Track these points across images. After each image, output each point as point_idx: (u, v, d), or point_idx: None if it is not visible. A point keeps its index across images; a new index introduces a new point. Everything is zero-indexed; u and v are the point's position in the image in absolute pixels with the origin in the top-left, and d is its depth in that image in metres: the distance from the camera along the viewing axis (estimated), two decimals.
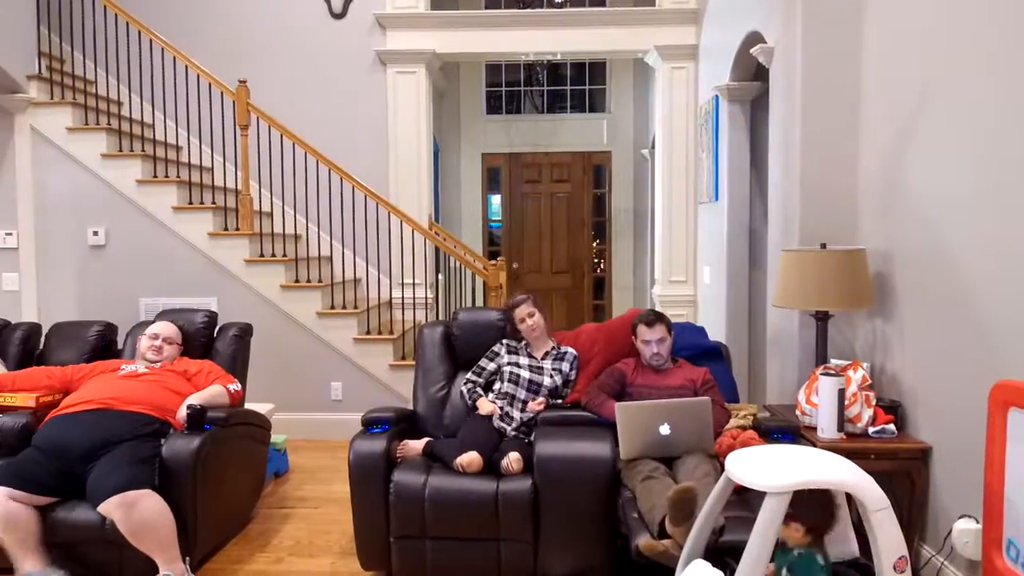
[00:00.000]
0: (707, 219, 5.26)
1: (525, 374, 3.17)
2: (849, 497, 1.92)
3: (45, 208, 4.85)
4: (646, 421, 2.63)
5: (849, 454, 2.14)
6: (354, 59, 5.65)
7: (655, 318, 3.06)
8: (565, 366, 3.24)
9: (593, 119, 7.73)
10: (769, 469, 1.85)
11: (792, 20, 3.39)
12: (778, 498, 1.79)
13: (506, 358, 3.24)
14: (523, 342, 3.29)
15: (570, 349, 3.29)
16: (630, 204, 7.66)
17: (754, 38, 4.01)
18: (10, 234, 4.88)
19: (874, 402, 2.84)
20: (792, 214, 3.43)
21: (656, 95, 5.83)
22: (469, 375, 3.28)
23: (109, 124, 4.98)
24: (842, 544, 2.01)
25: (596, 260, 7.85)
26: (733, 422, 2.88)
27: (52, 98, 4.91)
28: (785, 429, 2.77)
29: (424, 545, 2.78)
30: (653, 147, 6.26)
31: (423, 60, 5.60)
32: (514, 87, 7.82)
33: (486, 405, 3.11)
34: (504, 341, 3.31)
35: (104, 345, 3.65)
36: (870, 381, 2.87)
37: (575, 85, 7.82)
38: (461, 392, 3.26)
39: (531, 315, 3.23)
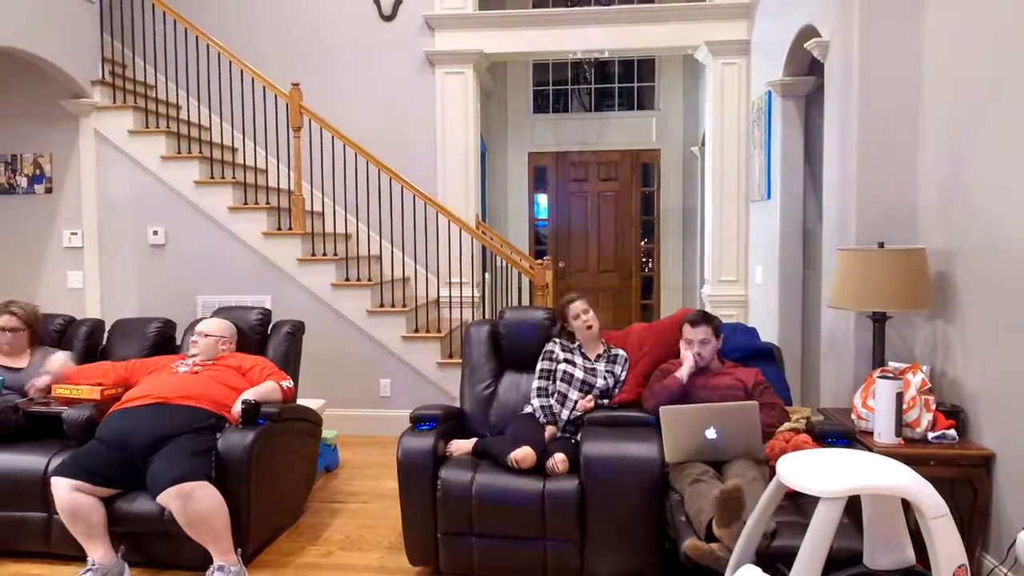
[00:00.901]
0: (759, 217, 5.16)
1: (579, 374, 3.16)
2: (906, 504, 1.86)
3: (108, 208, 5.03)
4: (692, 425, 2.58)
5: (907, 460, 2.07)
6: (403, 60, 5.72)
7: (700, 319, 3.03)
8: (617, 368, 3.23)
9: (642, 117, 7.65)
10: (823, 473, 1.81)
11: (849, 13, 3.30)
12: (832, 504, 1.75)
13: (561, 356, 3.23)
14: (576, 343, 3.27)
15: (621, 351, 3.27)
16: (679, 202, 7.57)
17: (808, 32, 3.92)
18: (75, 234, 5.08)
19: (934, 407, 2.75)
20: (848, 212, 3.34)
21: (706, 92, 5.74)
22: (537, 383, 3.19)
23: (168, 127, 5.14)
24: (898, 552, 1.95)
25: (644, 259, 7.77)
26: (786, 425, 2.82)
27: (115, 102, 5.09)
28: (840, 433, 2.70)
29: (471, 542, 2.80)
30: (703, 144, 6.17)
31: (471, 60, 5.62)
32: (561, 86, 7.80)
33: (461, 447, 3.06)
34: (556, 340, 3.29)
35: (163, 341, 3.77)
36: (930, 385, 2.78)
37: (623, 83, 7.75)
38: (534, 407, 3.16)
39: (586, 311, 3.22)
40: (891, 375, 2.71)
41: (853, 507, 2.05)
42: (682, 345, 3.04)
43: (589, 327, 3.22)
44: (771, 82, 4.64)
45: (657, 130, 7.59)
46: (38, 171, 5.08)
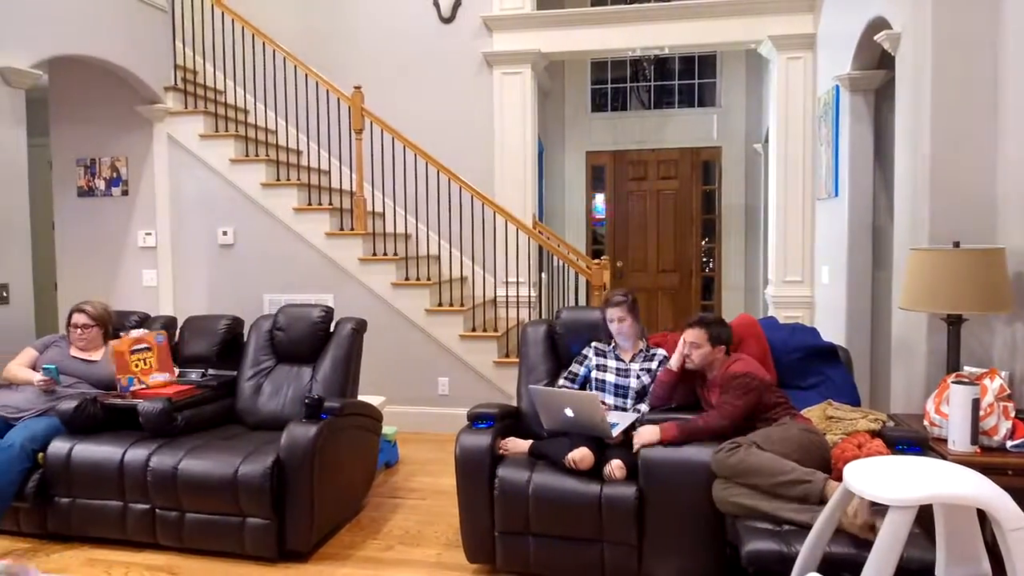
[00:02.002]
0: (826, 216, 5.01)
1: (611, 378, 3.16)
2: (982, 515, 1.78)
3: (180, 210, 5.24)
4: (554, 404, 2.94)
5: (983, 469, 1.98)
6: (461, 62, 5.77)
7: (693, 321, 2.99)
8: (654, 365, 3.18)
9: (702, 114, 7.52)
10: (893, 481, 1.75)
11: (921, 3, 3.17)
12: (902, 512, 1.69)
13: (594, 360, 3.23)
14: (612, 344, 3.26)
15: (660, 350, 3.23)
16: (741, 201, 7.41)
17: (878, 24, 3.78)
18: (149, 234, 5.30)
19: (1013, 414, 2.62)
20: (921, 210, 3.21)
21: (770, 87, 5.61)
22: (562, 381, 3.27)
23: (237, 131, 5.31)
24: (974, 565, 1.86)
25: (705, 259, 7.64)
26: (862, 423, 2.72)
27: (186, 108, 5.29)
28: (912, 440, 2.59)
29: (528, 542, 2.80)
30: (767, 141, 6.03)
31: (529, 60, 5.63)
32: (620, 84, 7.74)
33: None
34: (593, 344, 3.29)
35: (232, 338, 3.90)
36: (1009, 391, 2.64)
37: (683, 79, 7.63)
38: None
39: (621, 320, 3.18)
40: (967, 380, 2.59)
41: (925, 517, 1.97)
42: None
43: (619, 333, 3.21)
44: (839, 76, 4.50)
45: (718, 127, 7.45)
46: (115, 174, 5.33)
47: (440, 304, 5.00)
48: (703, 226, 7.59)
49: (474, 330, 5.01)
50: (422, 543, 3.26)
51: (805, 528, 2.20)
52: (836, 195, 4.68)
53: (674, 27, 5.51)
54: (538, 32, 5.64)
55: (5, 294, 3.90)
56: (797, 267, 5.38)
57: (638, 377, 3.16)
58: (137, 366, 3.50)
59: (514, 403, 3.44)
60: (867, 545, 2.07)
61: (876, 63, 4.29)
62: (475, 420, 3.02)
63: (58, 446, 3.22)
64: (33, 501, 3.19)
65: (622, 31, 5.58)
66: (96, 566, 3.03)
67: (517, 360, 3.59)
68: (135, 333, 3.59)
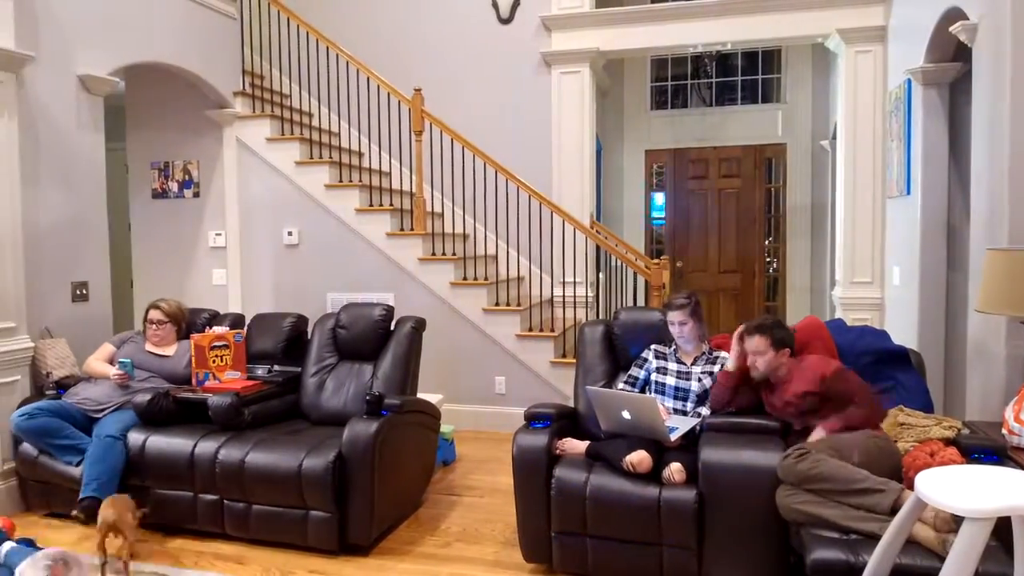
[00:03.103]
0: (897, 214, 4.83)
1: (671, 381, 3.13)
2: None
3: (248, 211, 5.41)
4: (612, 405, 2.93)
5: None
6: (520, 62, 5.78)
7: (751, 330, 2.88)
8: (716, 368, 3.11)
9: (766, 110, 7.34)
10: (968, 491, 1.67)
11: None
12: (978, 524, 1.61)
13: (654, 363, 3.19)
14: (672, 347, 3.21)
15: (723, 352, 3.15)
16: (807, 199, 7.20)
17: (954, 15, 3.62)
18: (219, 234, 5.49)
19: None
20: (999, 209, 3.06)
21: (838, 82, 5.43)
22: (621, 385, 3.25)
23: (302, 134, 5.46)
24: None
25: (768, 259, 7.46)
26: (936, 431, 2.61)
27: (254, 112, 5.46)
28: (989, 449, 2.47)
29: (585, 543, 2.79)
30: (834, 137, 5.84)
31: (587, 59, 5.61)
32: (680, 81, 7.62)
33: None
34: (653, 346, 3.25)
35: (296, 335, 4.01)
36: None
37: (746, 75, 7.47)
38: None
39: (683, 323, 3.12)
40: None
41: (1003, 530, 1.88)
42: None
43: (679, 336, 3.15)
44: (911, 70, 4.33)
45: (783, 123, 7.26)
46: (187, 177, 5.54)
47: (497, 303, 5.03)
48: (767, 225, 7.41)
49: (531, 330, 5.02)
50: (479, 541, 3.28)
51: (874, 538, 2.13)
52: (908, 193, 4.51)
53: (737, 22, 5.40)
54: (597, 30, 5.61)
55: (85, 292, 4.10)
56: (866, 268, 5.20)
57: (699, 380, 3.10)
58: (214, 362, 3.64)
59: (571, 403, 3.43)
60: (940, 558, 1.99)
61: (951, 55, 4.11)
62: (532, 420, 3.02)
63: (134, 437, 3.37)
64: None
65: (683, 27, 5.50)
66: (167, 554, 3.16)
67: (574, 360, 3.57)
68: (217, 330, 3.74)
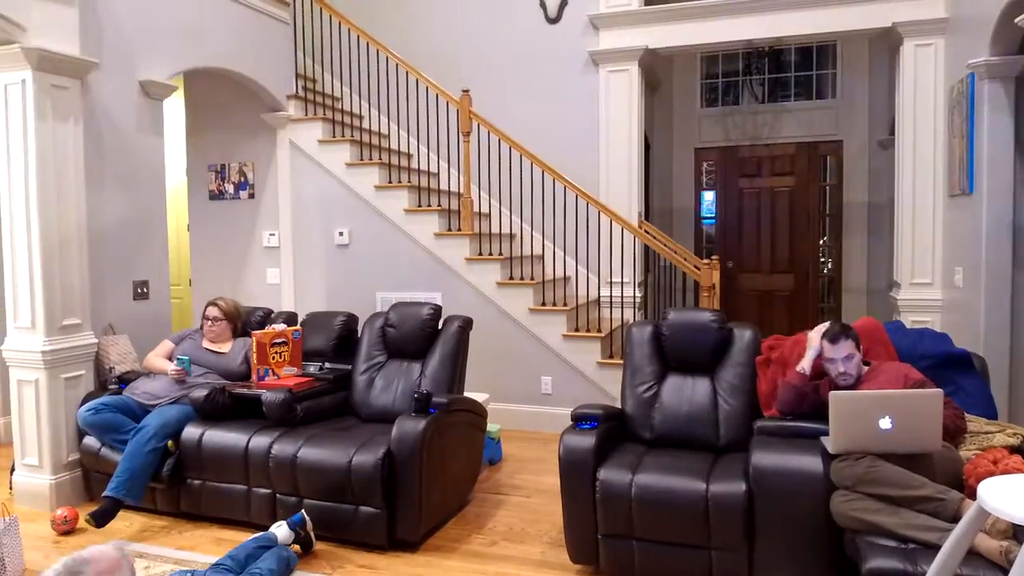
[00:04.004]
0: (960, 213, 4.65)
1: None
2: None
3: (300, 211, 5.52)
4: (864, 413, 2.39)
5: None
6: (567, 62, 5.77)
7: (840, 333, 2.77)
8: None
9: (821, 106, 7.16)
10: None
11: None
12: None
13: None
14: None
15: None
16: (864, 197, 7.00)
17: (1018, 6, 3.48)
18: (273, 234, 5.62)
19: None
20: None
21: (897, 77, 5.26)
22: None
23: (352, 136, 5.54)
24: None
25: (823, 259, 7.27)
26: (999, 438, 2.52)
27: (306, 115, 5.57)
28: None
29: (632, 546, 2.77)
30: (892, 134, 5.66)
31: (635, 57, 5.56)
32: (732, 77, 7.49)
33: None
34: None
35: (347, 333, 4.08)
36: None
37: (800, 71, 7.29)
38: None
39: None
40: None
41: None
42: (825, 364, 2.82)
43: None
44: (974, 63, 4.17)
45: (839, 120, 7.07)
46: (243, 178, 5.68)
47: (543, 303, 5.03)
48: (821, 224, 7.22)
49: (577, 330, 4.99)
50: (526, 540, 3.28)
51: (933, 548, 2.06)
52: (971, 191, 4.34)
53: (790, 16, 5.28)
54: (645, 28, 5.55)
55: (145, 290, 4.24)
56: (927, 268, 5.03)
57: None
58: (274, 358, 3.74)
59: (618, 405, 3.40)
60: (1003, 570, 1.92)
61: (1016, 48, 3.94)
62: (579, 420, 3.01)
63: (191, 432, 3.48)
64: (168, 482, 3.46)
65: (734, 23, 5.40)
66: (222, 545, 3.24)
67: (621, 361, 3.54)
68: (278, 327, 3.84)
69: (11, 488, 3.75)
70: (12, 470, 3.76)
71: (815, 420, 2.81)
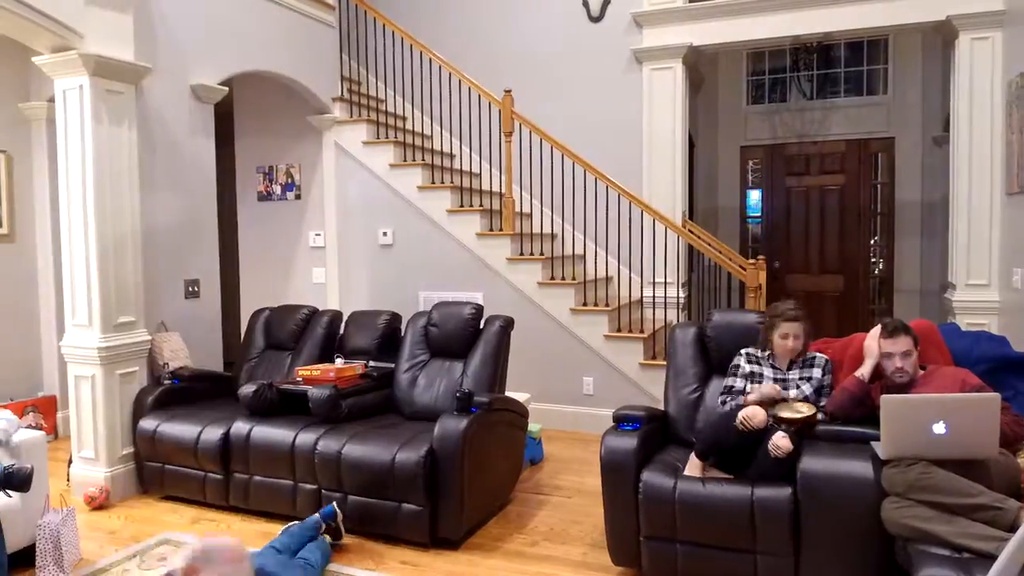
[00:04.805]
0: (1018, 212, 4.48)
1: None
2: None
3: (345, 212, 5.61)
4: (918, 418, 2.31)
5: None
6: (610, 60, 5.73)
7: (899, 328, 2.69)
8: (816, 372, 2.95)
9: (872, 103, 6.97)
10: None
11: None
12: None
13: (746, 368, 3.02)
14: (767, 353, 3.04)
15: (820, 354, 3.00)
16: (917, 196, 6.79)
17: None
18: (318, 235, 5.72)
19: None
20: None
21: (953, 71, 5.09)
22: (722, 397, 3.06)
23: (396, 138, 5.60)
24: None
25: (874, 260, 7.07)
26: None
27: (351, 117, 5.64)
28: None
29: (674, 549, 2.74)
30: (947, 130, 5.48)
31: (679, 54, 5.49)
32: (779, 74, 7.34)
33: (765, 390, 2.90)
34: (744, 351, 3.08)
35: (391, 332, 4.13)
36: None
37: (850, 67, 7.11)
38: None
39: (796, 337, 2.93)
40: None
41: None
42: (882, 361, 2.73)
43: (789, 351, 2.96)
44: None
45: (890, 116, 6.88)
46: (290, 180, 5.79)
47: (585, 304, 5.00)
48: (872, 224, 7.03)
49: (619, 330, 4.96)
50: (567, 541, 3.27)
51: (989, 558, 1.99)
52: None
53: (840, 11, 5.15)
54: (690, 25, 5.48)
55: (197, 288, 4.35)
56: (983, 269, 4.85)
57: (798, 387, 2.95)
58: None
59: (660, 406, 3.37)
60: None
61: None
62: (621, 421, 2.98)
63: (239, 427, 3.56)
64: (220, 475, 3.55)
65: (781, 18, 5.29)
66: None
67: (664, 363, 3.50)
68: (352, 363, 3.92)
69: (68, 480, 3.89)
70: (70, 462, 3.90)
71: (864, 424, 2.73)
